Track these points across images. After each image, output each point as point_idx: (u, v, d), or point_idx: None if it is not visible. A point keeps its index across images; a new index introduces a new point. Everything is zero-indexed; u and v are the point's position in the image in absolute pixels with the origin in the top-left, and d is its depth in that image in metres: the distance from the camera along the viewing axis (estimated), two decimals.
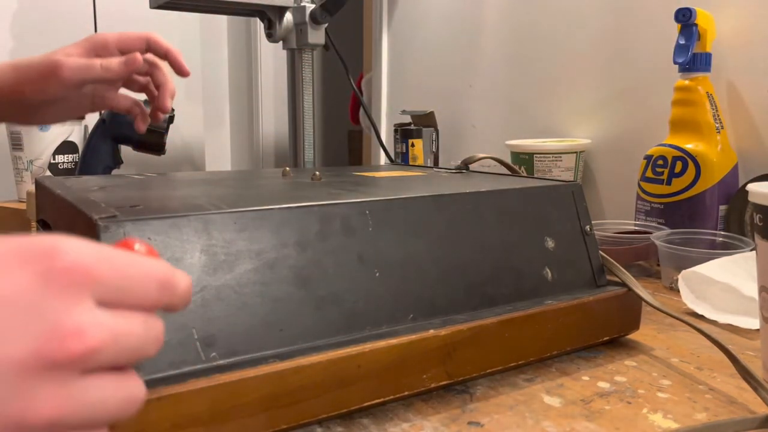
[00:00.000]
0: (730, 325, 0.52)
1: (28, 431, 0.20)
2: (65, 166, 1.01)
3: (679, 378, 0.41)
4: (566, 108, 0.97)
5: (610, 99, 0.90)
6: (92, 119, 1.13)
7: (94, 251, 0.22)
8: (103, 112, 1.02)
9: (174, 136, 1.34)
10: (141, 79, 0.62)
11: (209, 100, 1.54)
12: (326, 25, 0.99)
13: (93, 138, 0.99)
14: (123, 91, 0.63)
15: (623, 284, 0.48)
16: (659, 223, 0.72)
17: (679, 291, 0.56)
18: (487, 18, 1.11)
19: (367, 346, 0.35)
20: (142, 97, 0.64)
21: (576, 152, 0.88)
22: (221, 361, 0.33)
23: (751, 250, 0.59)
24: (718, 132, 0.70)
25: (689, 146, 0.70)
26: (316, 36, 0.98)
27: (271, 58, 1.65)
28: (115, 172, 1.05)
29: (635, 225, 0.74)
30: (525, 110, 1.05)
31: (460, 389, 0.39)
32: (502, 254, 0.44)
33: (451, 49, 1.20)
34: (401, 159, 1.03)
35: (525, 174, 0.72)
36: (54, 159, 1.00)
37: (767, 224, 0.37)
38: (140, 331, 0.22)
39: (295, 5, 0.98)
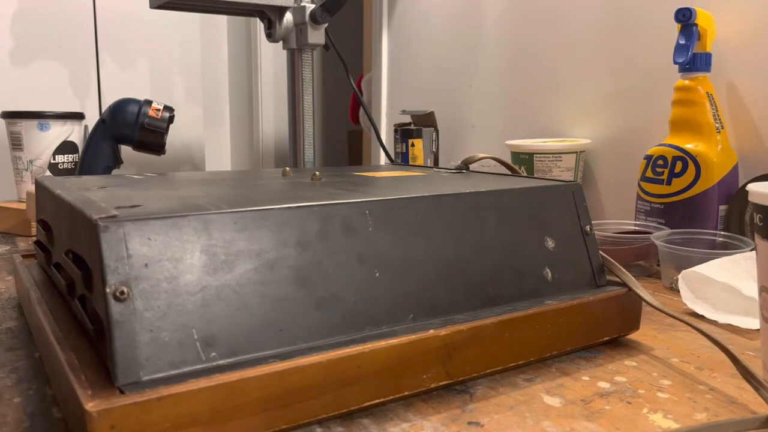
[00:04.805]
0: (730, 325, 0.52)
1: None
2: (65, 166, 1.01)
3: (679, 378, 0.41)
4: (566, 108, 0.97)
5: (610, 99, 0.90)
6: (92, 119, 1.13)
7: None
8: (103, 111, 1.02)
9: (174, 136, 1.34)
10: None
11: (209, 100, 1.54)
12: (326, 25, 0.99)
13: (93, 138, 0.99)
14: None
15: (623, 284, 0.48)
16: (659, 223, 0.72)
17: (679, 291, 0.56)
18: (487, 18, 1.11)
19: (367, 346, 0.35)
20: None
21: (576, 152, 0.88)
22: (221, 361, 0.33)
23: (751, 250, 0.59)
24: (718, 132, 0.70)
25: (689, 146, 0.70)
26: (316, 36, 0.98)
27: (271, 58, 1.65)
28: (115, 172, 1.05)
29: (635, 225, 0.74)
30: (525, 110, 1.05)
31: (460, 389, 0.39)
32: (502, 254, 0.44)
33: (451, 49, 1.20)
34: (401, 159, 1.03)
35: (525, 174, 0.72)
36: (54, 159, 1.00)
37: (767, 224, 0.37)
38: None
39: (295, 5, 0.98)
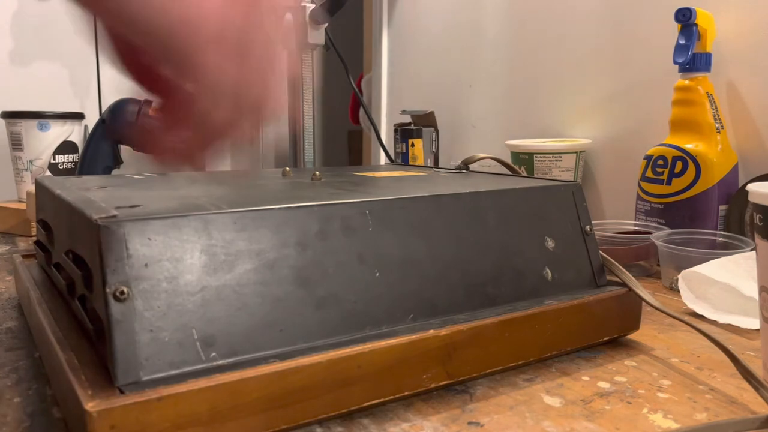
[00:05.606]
0: (730, 325, 0.52)
1: None
2: (65, 166, 1.01)
3: (679, 378, 0.41)
4: (566, 108, 0.97)
5: (610, 99, 0.90)
6: (92, 119, 1.13)
7: None
8: (103, 111, 1.02)
9: None
10: None
11: None
12: (326, 25, 0.99)
13: (93, 138, 0.99)
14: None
15: (623, 284, 0.48)
16: (659, 223, 0.72)
17: (679, 291, 0.56)
18: (487, 18, 1.11)
19: (367, 346, 0.35)
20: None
21: (576, 152, 0.88)
22: (221, 361, 0.33)
23: (751, 250, 0.59)
24: (718, 132, 0.70)
25: (689, 146, 0.70)
26: (316, 36, 0.98)
27: None
28: (115, 172, 1.05)
29: (635, 225, 0.74)
30: (525, 110, 1.05)
31: (460, 389, 0.39)
32: (502, 254, 0.44)
33: (451, 49, 1.20)
34: (401, 159, 1.03)
35: (525, 174, 0.72)
36: (54, 159, 1.00)
37: (767, 224, 0.37)
38: None
39: (295, 5, 0.98)
